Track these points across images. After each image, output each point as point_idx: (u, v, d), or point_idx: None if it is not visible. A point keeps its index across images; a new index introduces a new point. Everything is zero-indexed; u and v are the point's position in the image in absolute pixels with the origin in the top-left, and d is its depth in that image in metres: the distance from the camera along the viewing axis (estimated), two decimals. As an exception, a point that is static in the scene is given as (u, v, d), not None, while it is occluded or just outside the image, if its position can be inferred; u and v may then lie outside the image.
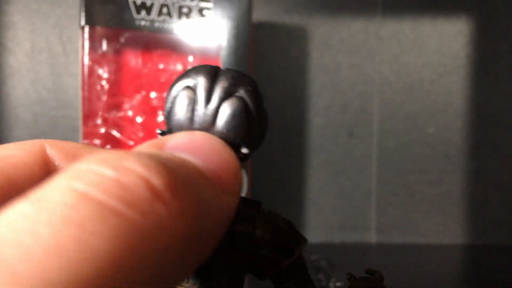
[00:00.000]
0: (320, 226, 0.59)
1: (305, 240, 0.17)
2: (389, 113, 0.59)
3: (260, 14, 0.57)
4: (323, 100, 0.59)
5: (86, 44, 0.42)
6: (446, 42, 0.59)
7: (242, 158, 0.15)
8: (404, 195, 0.59)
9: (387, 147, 0.59)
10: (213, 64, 0.16)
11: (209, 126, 0.14)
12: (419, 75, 0.59)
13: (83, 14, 0.42)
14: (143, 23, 0.43)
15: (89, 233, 0.08)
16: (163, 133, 0.15)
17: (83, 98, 0.42)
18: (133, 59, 0.44)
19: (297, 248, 0.16)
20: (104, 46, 0.43)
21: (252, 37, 0.48)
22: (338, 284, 0.43)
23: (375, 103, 0.59)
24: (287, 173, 0.58)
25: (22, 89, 0.56)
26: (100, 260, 0.08)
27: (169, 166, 0.10)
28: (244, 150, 0.15)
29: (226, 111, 0.14)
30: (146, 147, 0.12)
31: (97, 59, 0.43)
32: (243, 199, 0.16)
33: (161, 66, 0.44)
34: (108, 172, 0.09)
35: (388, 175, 0.59)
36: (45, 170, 0.15)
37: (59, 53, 0.56)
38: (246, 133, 0.15)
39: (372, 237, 0.59)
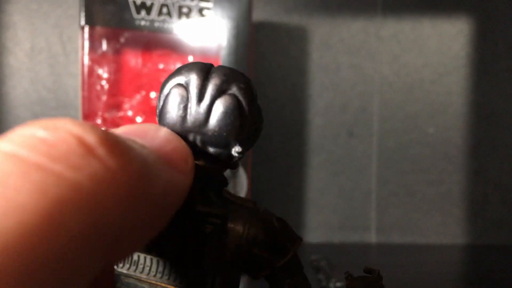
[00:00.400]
0: (320, 226, 0.59)
1: (300, 239, 0.16)
2: (389, 113, 0.59)
3: (260, 14, 0.57)
4: (323, 100, 0.59)
5: (86, 44, 0.42)
6: (446, 42, 0.59)
7: (237, 157, 0.15)
8: (404, 195, 0.59)
9: (387, 147, 0.59)
10: (214, 64, 0.16)
11: (201, 124, 0.14)
12: (419, 75, 0.59)
13: (83, 14, 0.42)
14: (143, 23, 0.43)
15: (13, 189, 0.08)
16: None
17: (83, 98, 0.42)
18: (133, 59, 0.44)
19: (291, 247, 0.16)
20: (104, 46, 0.43)
21: (252, 37, 0.48)
22: (338, 284, 0.43)
23: (375, 103, 0.59)
24: (287, 173, 0.58)
25: (22, 89, 0.56)
26: (25, 214, 0.08)
27: (108, 131, 0.10)
28: (237, 149, 0.15)
29: (218, 109, 0.14)
30: None
31: (97, 59, 0.43)
32: (237, 198, 0.16)
33: (161, 66, 0.44)
34: (39, 132, 0.09)
35: (388, 175, 0.59)
36: None
37: (59, 53, 0.56)
38: (239, 131, 0.14)
39: (372, 237, 0.59)
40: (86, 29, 0.42)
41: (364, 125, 0.59)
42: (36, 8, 0.56)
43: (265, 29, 0.58)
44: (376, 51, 0.59)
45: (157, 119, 0.16)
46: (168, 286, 0.14)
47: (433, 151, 0.59)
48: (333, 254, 0.53)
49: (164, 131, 0.13)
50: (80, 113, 0.43)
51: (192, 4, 0.44)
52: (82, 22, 0.42)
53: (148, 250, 0.15)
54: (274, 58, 0.58)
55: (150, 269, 0.15)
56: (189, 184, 0.13)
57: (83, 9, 0.42)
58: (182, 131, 0.15)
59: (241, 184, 0.48)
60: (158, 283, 0.15)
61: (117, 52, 0.43)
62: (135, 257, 0.15)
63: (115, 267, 0.15)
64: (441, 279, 0.48)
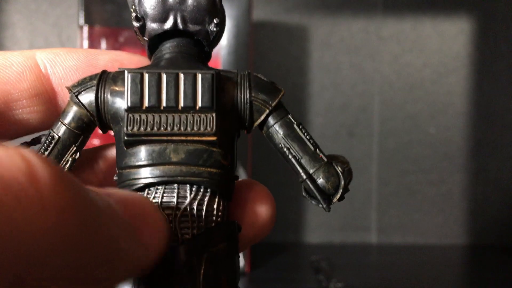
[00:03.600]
0: (320, 226, 0.59)
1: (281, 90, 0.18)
2: (389, 113, 0.59)
3: (260, 14, 0.57)
4: (323, 100, 0.58)
5: (85, 43, 0.42)
6: (446, 42, 0.59)
7: (214, 32, 0.17)
8: (404, 195, 0.59)
9: (388, 147, 0.59)
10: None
11: (181, 1, 0.16)
12: (419, 75, 0.59)
13: (82, 14, 0.42)
14: (142, 22, 0.43)
15: None
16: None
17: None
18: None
19: (279, 90, 0.18)
20: (103, 45, 0.43)
21: (252, 37, 0.47)
22: (339, 284, 0.43)
23: (376, 103, 0.59)
24: (287, 173, 0.58)
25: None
26: None
27: (67, 173, 0.10)
28: (215, 21, 0.17)
29: None
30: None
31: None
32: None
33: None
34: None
35: (389, 175, 0.59)
36: (38, 80, 0.17)
37: (58, 52, 0.56)
38: (214, 5, 0.17)
39: (372, 238, 0.59)
40: (85, 28, 0.42)
41: (365, 125, 0.59)
42: (35, 7, 0.56)
43: (265, 29, 0.58)
44: (377, 51, 0.58)
45: (132, 10, 0.17)
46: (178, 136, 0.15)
47: (433, 151, 0.59)
48: (333, 255, 0.53)
49: (148, 206, 0.13)
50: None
51: (192, 3, 0.44)
52: (81, 21, 0.42)
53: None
54: (274, 57, 0.58)
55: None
56: (151, 261, 0.13)
57: (82, 8, 0.42)
58: (163, 11, 0.17)
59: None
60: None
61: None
62: None
63: None
64: (442, 279, 0.48)
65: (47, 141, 0.16)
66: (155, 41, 0.18)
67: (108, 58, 0.18)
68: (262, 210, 0.18)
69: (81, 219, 0.10)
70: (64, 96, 0.18)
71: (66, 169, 0.16)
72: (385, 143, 0.59)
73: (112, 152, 0.19)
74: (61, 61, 0.18)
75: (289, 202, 0.59)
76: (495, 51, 0.59)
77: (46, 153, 0.16)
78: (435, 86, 0.59)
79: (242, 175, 0.48)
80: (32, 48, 0.56)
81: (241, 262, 0.47)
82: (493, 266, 0.52)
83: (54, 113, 0.18)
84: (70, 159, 0.16)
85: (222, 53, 0.44)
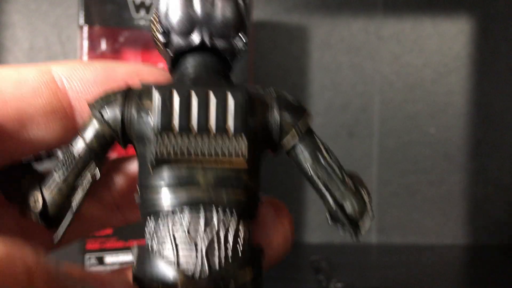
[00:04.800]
0: (320, 226, 0.59)
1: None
2: (389, 113, 0.59)
3: (260, 14, 0.57)
4: (323, 100, 0.58)
5: (85, 43, 0.42)
6: (446, 41, 0.59)
7: (241, 49, 0.17)
8: (404, 195, 0.59)
9: (388, 147, 0.59)
10: None
11: (210, 14, 0.16)
12: (419, 75, 0.59)
13: (82, 14, 0.42)
14: (142, 22, 0.43)
15: None
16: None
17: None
18: (133, 59, 0.44)
19: (306, 109, 0.17)
20: (103, 45, 0.43)
21: (252, 37, 0.47)
22: (339, 284, 0.43)
23: (376, 103, 0.59)
24: (287, 173, 0.58)
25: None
26: None
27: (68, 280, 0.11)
28: (243, 39, 0.16)
29: (223, 2, 0.16)
30: (68, 266, 0.13)
31: (96, 58, 0.43)
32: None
33: (160, 65, 0.44)
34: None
35: (389, 175, 0.59)
36: (55, 96, 0.17)
37: (58, 52, 0.56)
38: (241, 21, 0.16)
39: (372, 238, 0.59)
40: (85, 28, 0.42)
41: (365, 125, 0.59)
42: (35, 7, 0.56)
43: (265, 29, 0.58)
44: (377, 51, 0.58)
45: (155, 25, 0.16)
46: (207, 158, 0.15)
47: (433, 151, 0.59)
48: (333, 255, 0.53)
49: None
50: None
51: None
52: (81, 21, 0.42)
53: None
54: (274, 57, 0.58)
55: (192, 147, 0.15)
56: None
57: (82, 8, 0.42)
58: (190, 25, 0.16)
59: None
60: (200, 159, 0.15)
61: (116, 51, 0.43)
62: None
63: None
64: (442, 279, 0.48)
65: (67, 159, 0.16)
66: (179, 56, 0.17)
67: (126, 71, 0.18)
68: (284, 227, 0.18)
69: None
70: (82, 111, 0.17)
71: (86, 190, 0.16)
72: (385, 143, 0.59)
73: (131, 168, 0.18)
74: (78, 75, 0.17)
75: (289, 202, 0.59)
76: (496, 51, 0.59)
77: (66, 172, 0.16)
78: (435, 86, 0.59)
79: None
80: (32, 48, 0.56)
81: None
82: (493, 266, 0.52)
83: (71, 129, 0.17)
84: (90, 178, 0.16)
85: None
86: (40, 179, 0.16)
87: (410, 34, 0.58)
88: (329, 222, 0.17)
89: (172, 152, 0.15)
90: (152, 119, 0.15)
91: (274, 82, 0.58)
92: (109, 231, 0.43)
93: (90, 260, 0.43)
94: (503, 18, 0.58)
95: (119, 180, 0.19)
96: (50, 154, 0.17)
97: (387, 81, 0.59)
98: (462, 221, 0.59)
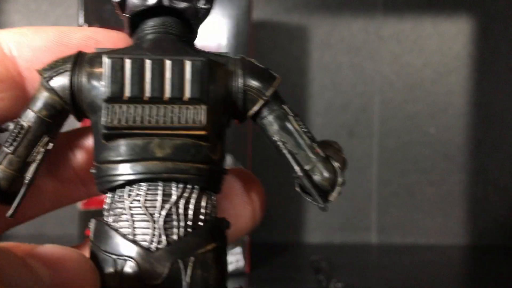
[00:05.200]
0: (320, 226, 0.59)
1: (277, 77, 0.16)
2: (389, 113, 0.59)
3: (260, 13, 0.56)
4: (323, 100, 0.58)
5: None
6: (446, 41, 0.59)
7: (202, 11, 0.15)
8: (404, 195, 0.59)
9: (388, 147, 0.59)
10: None
11: None
12: (419, 75, 0.59)
13: (81, 13, 0.42)
14: (142, 22, 0.43)
15: None
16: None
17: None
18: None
19: (275, 78, 0.16)
20: (103, 45, 0.43)
21: (252, 37, 0.47)
22: (339, 284, 0.43)
23: (376, 103, 0.59)
24: (287, 173, 0.58)
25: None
26: None
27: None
28: (203, 1, 0.15)
29: None
30: (14, 246, 0.12)
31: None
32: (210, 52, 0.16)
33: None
34: None
35: (389, 175, 0.59)
36: (2, 65, 0.16)
37: (58, 52, 0.56)
38: None
39: (372, 238, 0.59)
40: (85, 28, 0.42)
41: (365, 125, 0.59)
42: (35, 7, 0.56)
43: (265, 29, 0.58)
44: (377, 51, 0.58)
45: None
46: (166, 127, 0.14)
47: (433, 151, 0.59)
48: (333, 255, 0.53)
49: (79, 267, 0.13)
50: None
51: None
52: (81, 21, 0.42)
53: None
54: (274, 57, 0.58)
55: (148, 115, 0.14)
56: None
57: (81, 8, 0.42)
58: None
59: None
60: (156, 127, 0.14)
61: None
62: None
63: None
64: (442, 280, 0.48)
65: (15, 131, 0.15)
66: (137, 19, 0.16)
67: (81, 36, 0.17)
68: (252, 199, 0.17)
69: None
70: (33, 80, 0.16)
71: (38, 161, 0.15)
72: (385, 143, 0.59)
73: (90, 141, 0.17)
74: (28, 41, 0.16)
75: (289, 202, 0.59)
76: (496, 51, 0.59)
77: (15, 143, 0.15)
78: (435, 86, 0.59)
79: None
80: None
81: (241, 262, 0.47)
82: (493, 266, 0.52)
83: (23, 99, 0.16)
84: (42, 150, 0.15)
85: (222, 53, 0.44)
86: None
87: (410, 34, 0.58)
88: (297, 190, 0.16)
89: (124, 122, 0.14)
90: (103, 88, 0.14)
91: (274, 82, 0.58)
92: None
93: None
94: (503, 18, 0.58)
95: (79, 153, 0.18)
96: (1, 128, 0.16)
97: (387, 81, 0.59)
98: (462, 221, 0.59)
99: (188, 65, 0.14)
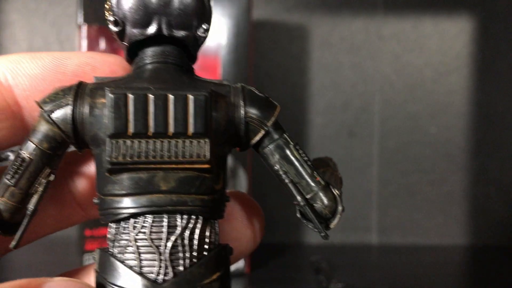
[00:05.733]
0: (320, 226, 0.59)
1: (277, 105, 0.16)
2: (390, 112, 0.58)
3: (260, 13, 0.56)
4: (323, 100, 0.58)
5: (84, 43, 0.42)
6: (447, 41, 0.58)
7: (202, 38, 0.16)
8: (405, 195, 0.59)
9: (388, 147, 0.59)
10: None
11: (166, 4, 0.15)
12: (420, 74, 0.59)
13: (81, 13, 0.41)
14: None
15: None
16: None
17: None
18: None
19: (275, 107, 0.16)
20: (102, 44, 0.42)
21: (252, 36, 0.47)
22: (339, 285, 0.43)
23: (376, 102, 0.58)
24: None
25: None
26: None
27: None
28: (204, 27, 0.15)
29: None
30: (24, 285, 0.12)
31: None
32: (210, 80, 0.16)
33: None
34: None
35: (389, 175, 0.59)
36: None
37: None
38: (202, 9, 0.15)
39: (373, 238, 0.59)
40: (84, 27, 0.42)
41: (365, 124, 0.58)
42: (34, 7, 0.56)
43: (265, 28, 0.57)
44: (377, 50, 0.58)
45: (108, 13, 0.15)
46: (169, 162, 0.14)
47: (434, 151, 0.59)
48: (333, 255, 0.53)
49: None
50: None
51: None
52: (80, 20, 0.42)
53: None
54: (274, 57, 0.58)
55: (152, 149, 0.14)
56: None
57: (81, 7, 0.41)
58: (145, 15, 0.15)
59: (241, 184, 0.48)
60: (159, 163, 0.14)
61: (115, 51, 0.43)
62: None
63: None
64: (442, 280, 0.48)
65: (17, 164, 0.15)
66: (136, 47, 0.16)
67: (77, 63, 0.16)
68: (252, 222, 0.18)
69: None
70: (31, 109, 0.16)
71: (41, 192, 0.15)
72: (385, 143, 0.59)
73: (89, 164, 0.17)
74: (24, 69, 0.16)
75: (289, 202, 0.58)
76: (496, 51, 0.59)
77: (17, 176, 0.15)
78: (436, 86, 0.59)
79: (242, 175, 0.48)
80: (31, 47, 0.55)
81: (241, 262, 0.47)
82: (493, 266, 0.52)
83: (21, 128, 0.16)
84: (44, 181, 0.15)
85: (222, 53, 0.44)
86: None
87: (410, 33, 0.58)
88: (299, 216, 0.17)
89: (128, 157, 0.14)
90: (106, 122, 0.14)
91: (274, 82, 0.58)
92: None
93: (89, 261, 0.43)
94: (504, 17, 0.58)
95: (78, 179, 0.18)
96: (1, 158, 0.16)
97: (387, 80, 0.58)
98: (462, 221, 0.59)
99: (191, 101, 0.14)
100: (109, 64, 0.17)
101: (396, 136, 0.59)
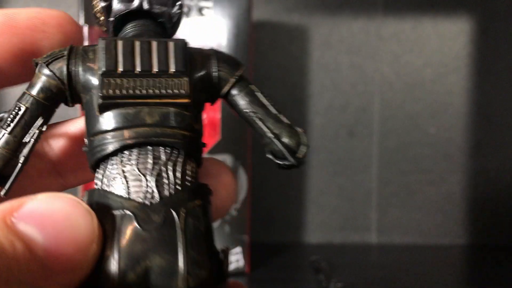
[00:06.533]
0: (320, 226, 0.59)
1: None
2: (389, 113, 0.59)
3: (260, 13, 0.57)
4: (323, 100, 0.58)
5: (85, 43, 0.42)
6: (447, 41, 0.59)
7: (176, 14, 0.18)
8: (404, 195, 0.59)
9: (388, 147, 0.59)
10: None
11: None
12: (419, 74, 0.59)
13: (82, 14, 0.42)
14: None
15: None
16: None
17: (82, 98, 0.42)
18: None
19: (241, 64, 0.18)
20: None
21: (252, 37, 0.47)
22: (339, 284, 0.43)
23: (376, 103, 0.59)
24: (287, 173, 0.58)
25: (21, 90, 0.56)
26: None
27: None
28: (178, 3, 0.18)
29: None
30: None
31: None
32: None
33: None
34: None
35: (389, 175, 0.59)
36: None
37: (58, 52, 0.56)
38: None
39: (372, 238, 0.59)
40: (85, 28, 0.42)
41: (365, 125, 0.59)
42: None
43: (265, 29, 0.58)
44: (377, 51, 0.58)
45: (102, 12, 0.18)
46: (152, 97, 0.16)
47: (433, 151, 0.59)
48: (333, 255, 0.53)
49: (74, 215, 0.13)
50: (79, 113, 0.42)
51: (192, 3, 0.44)
52: (81, 21, 0.42)
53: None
54: (274, 57, 0.58)
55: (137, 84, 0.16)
56: (84, 275, 0.13)
57: (82, 8, 0.42)
58: None
59: (241, 184, 0.48)
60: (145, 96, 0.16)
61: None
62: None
63: None
64: (442, 279, 0.48)
65: (13, 113, 0.16)
66: (119, 24, 0.18)
67: (27, 17, 0.17)
68: (226, 180, 0.19)
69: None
70: None
71: (33, 141, 0.16)
72: (385, 143, 0.59)
73: (67, 130, 0.19)
74: None
75: (289, 202, 0.59)
76: (496, 51, 0.59)
77: (13, 124, 0.16)
78: (436, 86, 0.59)
79: (242, 175, 0.48)
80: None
81: (241, 262, 0.47)
82: (493, 266, 0.52)
83: None
84: (37, 131, 0.16)
85: (222, 53, 0.44)
86: None
87: (410, 34, 0.58)
88: (269, 157, 0.18)
89: (118, 92, 0.16)
90: (97, 68, 0.16)
91: (274, 81, 0.58)
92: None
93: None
94: (503, 18, 0.58)
95: (56, 143, 0.19)
96: None
97: (387, 81, 0.59)
98: (462, 221, 0.59)
99: (171, 45, 0.16)
100: (57, 18, 0.18)
101: (396, 136, 0.59)
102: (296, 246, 0.57)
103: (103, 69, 0.16)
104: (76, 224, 0.13)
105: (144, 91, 0.16)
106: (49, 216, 0.13)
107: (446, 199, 0.59)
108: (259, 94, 0.18)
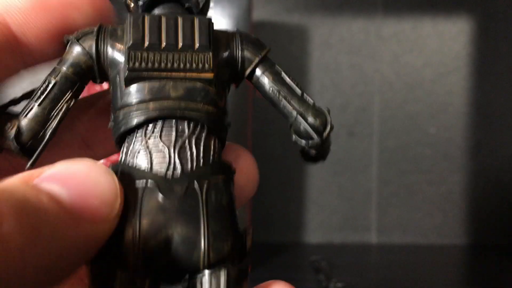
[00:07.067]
0: (320, 226, 0.59)
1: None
2: (389, 113, 0.59)
3: (260, 14, 0.57)
4: (323, 100, 0.58)
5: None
6: (446, 41, 0.59)
7: (203, 2, 0.18)
8: (404, 195, 0.59)
9: (388, 147, 0.59)
10: None
11: None
12: (419, 75, 0.59)
13: None
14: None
15: None
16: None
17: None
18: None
19: (265, 46, 0.19)
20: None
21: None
22: (339, 284, 0.43)
23: (376, 103, 0.59)
24: (287, 173, 0.58)
25: (21, 90, 0.56)
26: None
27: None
28: None
29: None
30: (17, 178, 0.13)
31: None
32: None
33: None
34: None
35: (389, 175, 0.59)
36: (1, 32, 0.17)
37: (58, 52, 0.56)
38: None
39: (372, 238, 0.59)
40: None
41: (365, 125, 0.59)
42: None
43: (265, 29, 0.58)
44: (377, 51, 0.58)
45: None
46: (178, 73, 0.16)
47: (433, 151, 0.59)
48: (333, 255, 0.53)
49: (94, 173, 0.13)
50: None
51: (192, 3, 0.44)
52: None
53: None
54: (274, 57, 0.58)
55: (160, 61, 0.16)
56: (110, 228, 0.14)
57: None
58: None
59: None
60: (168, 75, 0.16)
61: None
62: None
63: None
64: (442, 280, 0.48)
65: (43, 86, 0.16)
66: (148, 9, 0.18)
67: None
68: (247, 165, 0.19)
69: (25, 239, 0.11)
70: (28, 43, 0.17)
71: (61, 115, 0.16)
72: (384, 143, 0.59)
73: (92, 102, 0.19)
74: (16, 6, 0.17)
75: (289, 202, 0.59)
76: (496, 51, 0.59)
77: (42, 96, 0.16)
78: (435, 86, 0.59)
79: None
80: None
81: (241, 262, 0.47)
82: (493, 266, 0.52)
83: (20, 63, 0.18)
84: (65, 105, 0.16)
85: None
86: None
87: (410, 34, 0.58)
88: (293, 138, 0.18)
89: (144, 65, 0.16)
90: (124, 44, 0.16)
91: (274, 82, 0.58)
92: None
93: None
94: (503, 18, 0.58)
95: (85, 117, 0.19)
96: (14, 100, 0.18)
97: (387, 81, 0.59)
98: (462, 221, 0.59)
99: (197, 21, 0.17)
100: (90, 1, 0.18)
101: (396, 136, 0.59)
102: (296, 246, 0.57)
103: (130, 42, 0.16)
104: (97, 181, 0.13)
105: (169, 65, 0.16)
106: (70, 175, 0.13)
107: (446, 199, 0.59)
108: (283, 74, 0.18)
